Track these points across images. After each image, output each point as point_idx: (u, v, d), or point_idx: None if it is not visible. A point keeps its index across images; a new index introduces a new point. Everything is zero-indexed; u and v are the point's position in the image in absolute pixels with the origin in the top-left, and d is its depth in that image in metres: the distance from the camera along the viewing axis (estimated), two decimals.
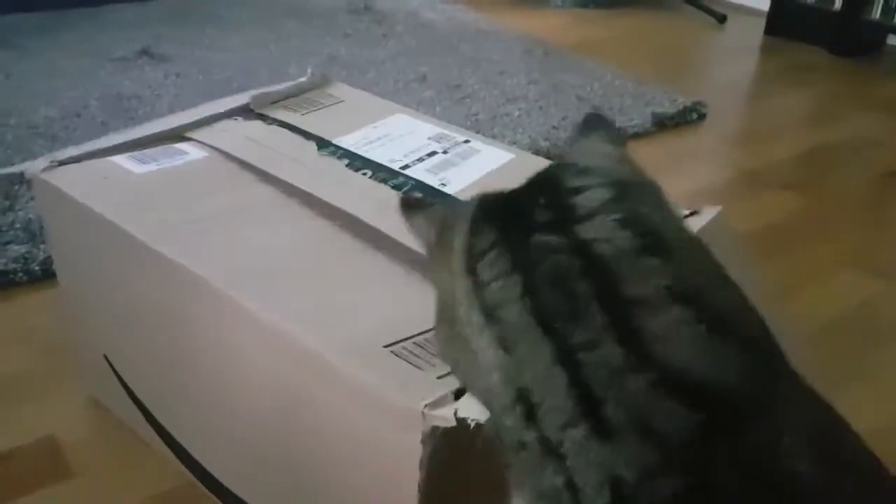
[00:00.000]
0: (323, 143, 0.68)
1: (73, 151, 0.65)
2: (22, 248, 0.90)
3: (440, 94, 1.47)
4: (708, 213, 0.59)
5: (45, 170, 0.62)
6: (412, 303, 0.51)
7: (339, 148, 0.67)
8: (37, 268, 0.88)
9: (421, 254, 0.52)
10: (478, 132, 0.74)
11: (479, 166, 0.66)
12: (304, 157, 0.66)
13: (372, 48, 1.71)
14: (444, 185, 0.62)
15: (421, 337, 0.47)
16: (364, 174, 0.63)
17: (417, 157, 0.67)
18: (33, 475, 0.65)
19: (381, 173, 0.63)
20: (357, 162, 0.65)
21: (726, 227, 0.60)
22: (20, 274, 0.88)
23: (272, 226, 0.58)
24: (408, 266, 0.54)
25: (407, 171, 0.64)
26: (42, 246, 0.90)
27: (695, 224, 0.57)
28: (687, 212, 0.59)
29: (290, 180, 0.62)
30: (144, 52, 1.54)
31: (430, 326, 0.47)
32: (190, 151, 0.67)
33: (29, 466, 0.66)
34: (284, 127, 0.71)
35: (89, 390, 0.73)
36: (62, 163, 0.63)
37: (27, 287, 0.87)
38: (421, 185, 0.62)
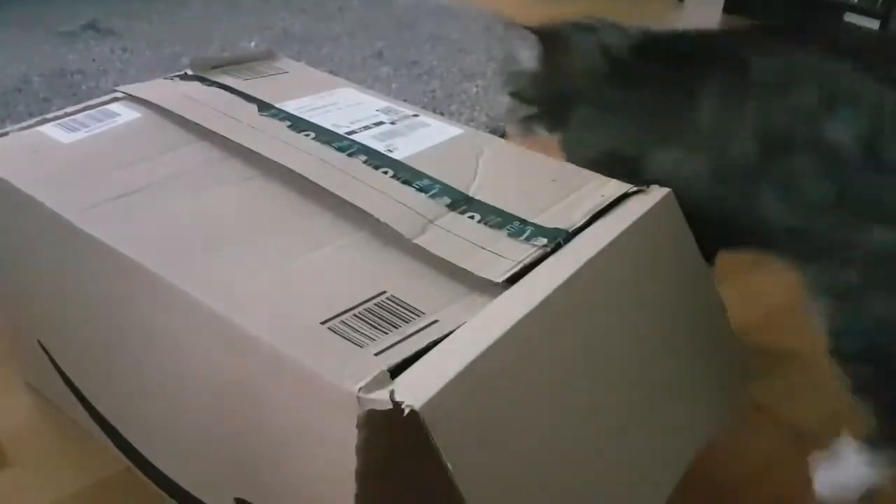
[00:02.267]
0: (264, 106, 0.66)
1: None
2: None
3: (397, 71, 1.44)
4: (656, 194, 0.59)
5: None
6: (356, 268, 0.50)
7: (281, 111, 0.65)
8: None
9: (368, 213, 0.52)
10: (434, 109, 0.73)
11: (427, 138, 0.65)
12: (244, 116, 0.63)
13: (327, 23, 1.68)
14: (390, 150, 0.61)
15: (363, 307, 0.45)
16: (307, 135, 0.62)
17: (364, 125, 0.65)
18: None
19: (325, 136, 0.62)
20: (300, 125, 0.63)
21: (675, 210, 0.59)
22: None
23: (206, 192, 0.56)
24: (353, 226, 0.53)
25: (352, 137, 0.62)
26: None
27: (643, 205, 0.57)
28: (633, 189, 0.58)
29: (227, 135, 0.60)
30: (91, 26, 1.49)
31: (377, 292, 0.47)
32: (122, 112, 0.64)
33: None
34: (224, 89, 0.68)
35: (25, 377, 0.70)
36: None
37: None
38: (367, 149, 0.60)
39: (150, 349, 0.53)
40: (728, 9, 2.03)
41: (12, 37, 1.43)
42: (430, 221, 0.53)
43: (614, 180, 0.60)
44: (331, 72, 0.79)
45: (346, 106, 0.69)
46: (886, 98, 0.54)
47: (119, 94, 0.68)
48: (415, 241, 0.50)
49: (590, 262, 0.51)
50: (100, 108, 0.65)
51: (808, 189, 0.56)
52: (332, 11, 1.76)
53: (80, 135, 0.61)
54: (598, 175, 0.61)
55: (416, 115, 0.69)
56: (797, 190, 0.57)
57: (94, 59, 1.37)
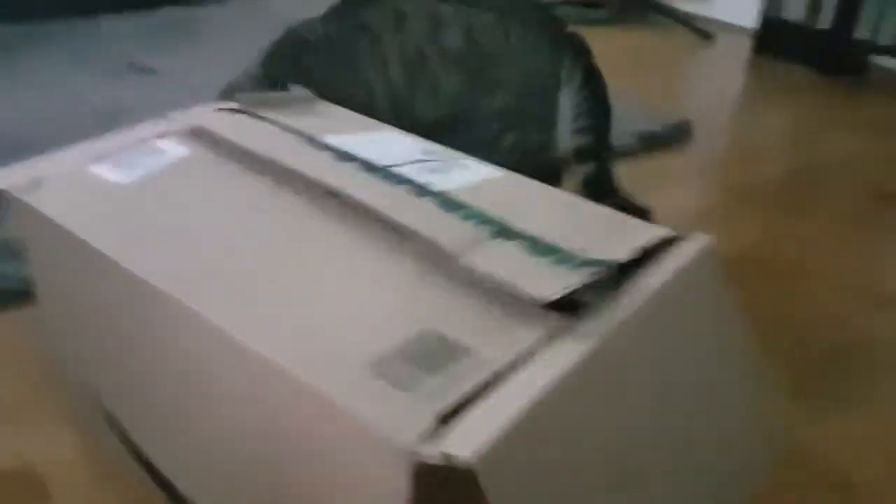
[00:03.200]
0: (308, 139, 0.67)
1: (51, 163, 0.64)
2: (3, 267, 0.89)
3: None
4: (696, 242, 0.58)
5: (24, 189, 0.61)
6: (399, 302, 0.50)
7: (324, 143, 0.66)
8: (14, 286, 0.87)
9: (409, 246, 0.53)
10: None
11: (468, 176, 0.65)
12: (289, 146, 0.65)
13: None
14: (432, 184, 0.61)
15: (407, 345, 0.45)
16: (351, 164, 0.62)
17: (405, 161, 0.66)
18: (10, 499, 0.64)
19: (369, 167, 0.62)
20: (344, 156, 0.64)
21: (715, 258, 0.59)
22: (5, 294, 0.86)
23: (250, 229, 0.57)
24: (395, 259, 0.53)
25: (395, 170, 0.63)
26: (24, 265, 0.89)
27: (687, 251, 0.57)
28: (672, 234, 0.58)
29: (273, 157, 0.61)
30: (132, 65, 1.53)
31: (420, 328, 0.47)
32: (168, 149, 0.66)
33: (7, 492, 0.64)
34: (267, 122, 0.70)
35: (68, 412, 0.71)
36: (40, 181, 0.61)
37: (8, 308, 0.85)
38: (409, 181, 0.61)
39: (192, 389, 0.54)
40: (756, 49, 2.03)
41: (57, 74, 1.47)
42: (476, 244, 0.53)
43: (657, 225, 0.60)
44: None
45: (387, 144, 0.70)
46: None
47: (166, 128, 0.69)
48: (461, 260, 0.50)
49: (639, 309, 0.51)
50: (147, 144, 0.66)
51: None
52: None
53: (129, 173, 0.63)
54: (642, 221, 0.61)
55: (455, 159, 0.70)
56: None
57: (136, 97, 1.40)
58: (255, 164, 0.63)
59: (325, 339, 0.47)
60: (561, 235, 0.56)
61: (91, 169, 0.63)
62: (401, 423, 0.40)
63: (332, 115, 0.77)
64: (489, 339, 0.47)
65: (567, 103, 1.01)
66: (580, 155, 0.99)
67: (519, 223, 0.57)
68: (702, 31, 2.12)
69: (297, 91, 0.81)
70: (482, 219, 0.57)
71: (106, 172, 0.63)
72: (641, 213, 1.08)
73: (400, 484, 0.40)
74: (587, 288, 0.50)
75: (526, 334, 0.47)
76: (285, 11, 1.98)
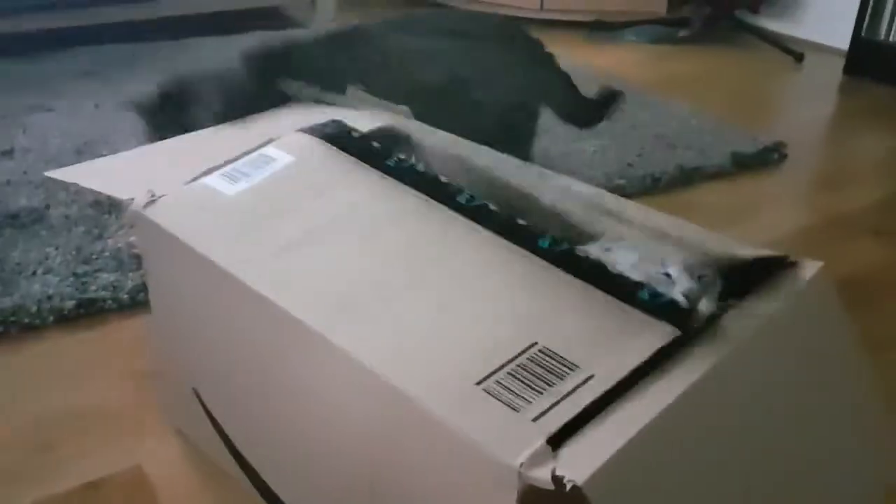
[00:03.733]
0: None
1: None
2: (111, 277, 0.93)
3: None
4: (809, 268, 0.57)
5: (146, 205, 0.63)
6: (506, 316, 0.50)
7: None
8: (125, 296, 0.90)
9: (512, 257, 0.53)
10: (550, 168, 0.74)
11: (565, 192, 0.65)
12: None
13: None
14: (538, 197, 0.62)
15: (516, 363, 0.45)
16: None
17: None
18: None
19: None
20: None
21: (829, 284, 0.58)
22: (109, 301, 0.90)
23: (356, 241, 0.58)
24: (500, 272, 0.53)
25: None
26: (130, 274, 0.93)
27: (799, 276, 0.55)
28: (787, 258, 0.57)
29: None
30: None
31: (528, 344, 0.47)
32: (277, 156, 0.67)
33: (116, 496, 0.67)
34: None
35: (176, 422, 0.74)
36: (156, 193, 0.64)
37: (116, 315, 0.89)
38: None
39: (302, 402, 0.55)
40: (848, 70, 1.97)
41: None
42: (594, 236, 0.55)
43: (766, 249, 0.59)
44: None
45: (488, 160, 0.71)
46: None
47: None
48: (593, 245, 0.52)
49: (754, 334, 0.49)
50: (258, 153, 0.68)
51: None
52: None
53: (242, 185, 0.65)
54: (746, 244, 0.60)
55: (549, 175, 0.70)
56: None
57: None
58: (358, 167, 0.64)
59: (434, 356, 0.47)
60: (668, 249, 0.55)
61: (203, 181, 0.66)
62: (510, 444, 0.40)
63: (434, 135, 0.79)
64: (598, 353, 0.46)
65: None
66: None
67: (627, 231, 0.57)
68: (792, 51, 2.06)
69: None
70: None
71: (217, 184, 0.65)
72: (613, 95, 1.19)
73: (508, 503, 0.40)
74: (698, 296, 0.49)
75: (636, 348, 0.46)
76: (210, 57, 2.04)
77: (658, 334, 0.47)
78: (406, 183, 0.62)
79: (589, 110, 1.19)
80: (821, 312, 0.58)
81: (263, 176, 0.66)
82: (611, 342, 0.47)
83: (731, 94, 1.83)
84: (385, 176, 0.63)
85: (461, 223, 0.57)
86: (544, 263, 0.53)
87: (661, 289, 0.50)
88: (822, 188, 1.41)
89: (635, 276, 0.51)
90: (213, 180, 0.66)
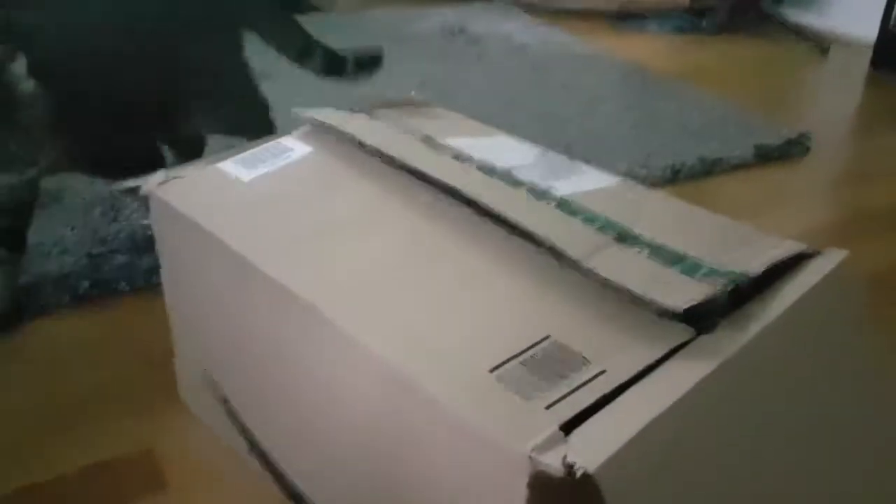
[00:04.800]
0: (428, 139, 0.67)
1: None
2: (125, 258, 0.93)
3: (533, 119, 1.45)
4: (833, 257, 0.56)
5: (160, 184, 0.63)
6: (518, 310, 0.49)
7: (443, 145, 0.66)
8: (139, 278, 0.90)
9: (528, 253, 0.52)
10: (571, 158, 0.73)
11: (585, 182, 0.64)
12: (410, 146, 0.65)
13: (465, 71, 1.71)
14: (552, 188, 0.61)
15: (528, 354, 0.45)
16: (470, 166, 0.62)
17: (523, 164, 0.65)
18: (131, 486, 0.66)
19: (488, 169, 0.62)
20: (463, 157, 0.64)
21: (853, 275, 0.56)
22: (123, 283, 0.90)
23: (372, 231, 0.58)
24: (513, 266, 0.52)
25: (513, 173, 0.63)
26: (144, 256, 0.93)
27: (822, 267, 0.54)
28: (810, 250, 0.56)
29: (397, 156, 0.61)
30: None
31: (541, 337, 0.46)
32: (295, 147, 0.67)
33: (127, 476, 0.67)
34: (388, 123, 0.71)
35: (187, 403, 0.74)
36: (176, 177, 0.64)
37: (130, 296, 0.89)
38: (528, 184, 0.60)
39: (312, 387, 0.54)
40: (875, 63, 1.94)
41: (310, 87, 1.51)
42: (598, 249, 0.52)
43: (789, 240, 0.57)
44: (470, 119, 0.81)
45: (503, 148, 0.70)
46: None
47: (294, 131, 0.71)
48: (584, 264, 0.49)
49: (771, 325, 0.48)
50: (274, 144, 0.68)
51: None
52: (469, 60, 1.80)
53: (259, 171, 0.64)
54: (768, 234, 0.59)
55: (571, 164, 0.69)
56: None
57: None
58: (377, 163, 0.63)
59: (447, 344, 0.47)
60: (685, 243, 0.54)
61: (219, 166, 0.65)
62: (522, 431, 0.40)
63: (447, 119, 0.78)
64: (612, 350, 0.45)
65: None
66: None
67: (640, 229, 0.56)
68: (817, 43, 2.03)
69: (415, 96, 0.82)
70: (603, 223, 0.55)
71: (233, 169, 0.65)
72: (375, 57, 1.09)
73: (519, 492, 0.40)
74: (715, 300, 0.48)
75: (649, 346, 0.46)
76: (383, 23, 2.03)
77: (672, 334, 0.46)
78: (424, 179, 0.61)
79: (331, 56, 1.05)
80: (842, 304, 0.56)
81: (280, 164, 0.65)
82: (624, 340, 0.46)
83: (755, 85, 1.81)
84: (401, 171, 0.62)
85: (477, 219, 0.56)
86: (560, 262, 0.52)
87: (675, 287, 0.49)
88: (845, 182, 1.38)
89: (649, 274, 0.50)
90: (228, 165, 0.65)
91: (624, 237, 0.54)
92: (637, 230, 0.55)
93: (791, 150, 1.40)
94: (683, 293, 0.47)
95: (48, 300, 0.87)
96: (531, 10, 2.20)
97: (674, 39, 2.09)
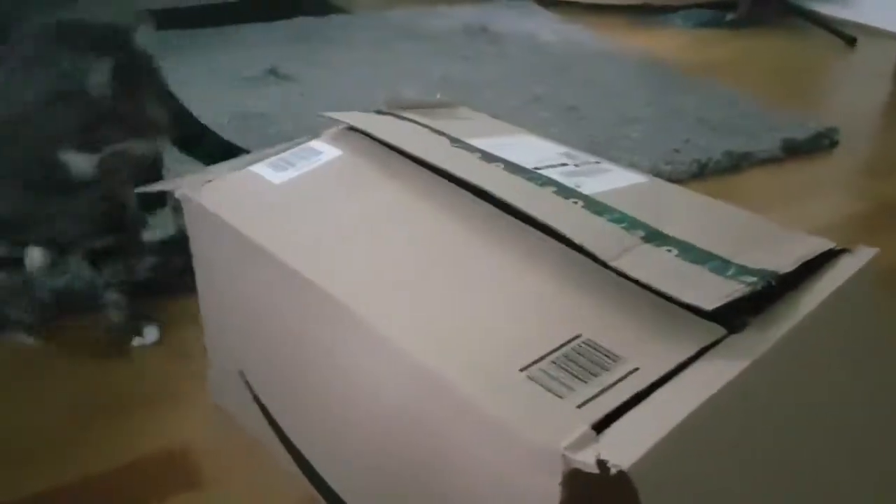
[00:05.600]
0: (455, 140, 0.67)
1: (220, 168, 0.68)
2: (157, 259, 0.94)
3: (555, 115, 1.45)
4: (863, 255, 0.55)
5: (191, 187, 0.64)
6: (548, 308, 0.49)
7: (470, 145, 0.66)
8: (172, 278, 0.92)
9: (557, 251, 0.52)
10: (595, 154, 0.73)
11: (611, 181, 0.64)
12: (437, 146, 0.65)
13: (485, 68, 1.71)
14: (578, 186, 0.60)
15: (560, 352, 0.45)
16: (497, 166, 0.62)
17: (549, 164, 0.65)
18: (167, 483, 0.67)
19: (515, 168, 0.62)
20: (490, 157, 0.64)
21: (879, 276, 0.56)
22: (155, 283, 0.91)
23: (402, 231, 0.58)
24: (542, 264, 0.52)
25: (539, 171, 0.63)
26: (176, 257, 0.94)
27: (852, 264, 0.54)
28: (839, 247, 0.55)
29: (424, 156, 0.62)
30: (271, 72, 1.59)
31: (572, 335, 0.46)
32: (324, 150, 0.68)
33: (162, 474, 0.68)
34: (416, 124, 0.71)
35: (220, 403, 0.75)
36: (208, 180, 0.65)
37: (162, 296, 0.90)
38: (555, 182, 0.60)
39: (343, 385, 0.55)
40: None
41: (199, 82, 1.54)
42: (627, 249, 0.52)
43: (816, 237, 0.57)
44: (493, 117, 0.81)
45: (529, 147, 0.70)
46: None
47: (320, 133, 0.72)
48: (613, 264, 0.49)
49: (801, 324, 0.48)
50: (304, 147, 0.69)
51: None
52: (491, 57, 1.80)
53: (290, 174, 0.65)
54: (798, 230, 0.58)
55: (597, 162, 0.69)
56: None
57: (275, 103, 1.46)
58: (406, 164, 0.64)
59: (478, 343, 0.47)
60: (714, 242, 0.54)
61: (250, 169, 0.66)
62: (554, 429, 0.40)
63: (473, 119, 0.78)
64: (643, 348, 0.45)
65: None
66: None
67: (669, 228, 0.56)
68: (844, 34, 2.01)
69: (441, 99, 0.82)
70: (631, 223, 0.55)
71: (264, 172, 0.66)
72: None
73: (552, 490, 0.40)
74: (744, 298, 0.48)
75: (680, 345, 0.45)
76: (405, 23, 2.03)
77: (703, 332, 0.46)
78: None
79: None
80: (871, 302, 0.56)
81: (310, 167, 0.66)
82: (656, 338, 0.46)
83: (781, 78, 1.79)
84: (429, 172, 0.62)
85: (506, 218, 0.57)
86: (589, 260, 0.52)
87: (705, 286, 0.49)
88: (874, 176, 1.37)
89: (679, 273, 0.50)
90: (259, 168, 0.66)
91: (652, 236, 0.54)
92: (665, 229, 0.55)
93: (819, 144, 1.39)
94: (713, 292, 0.47)
95: (81, 300, 0.88)
96: (552, 7, 2.20)
97: (697, 34, 2.08)
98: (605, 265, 0.50)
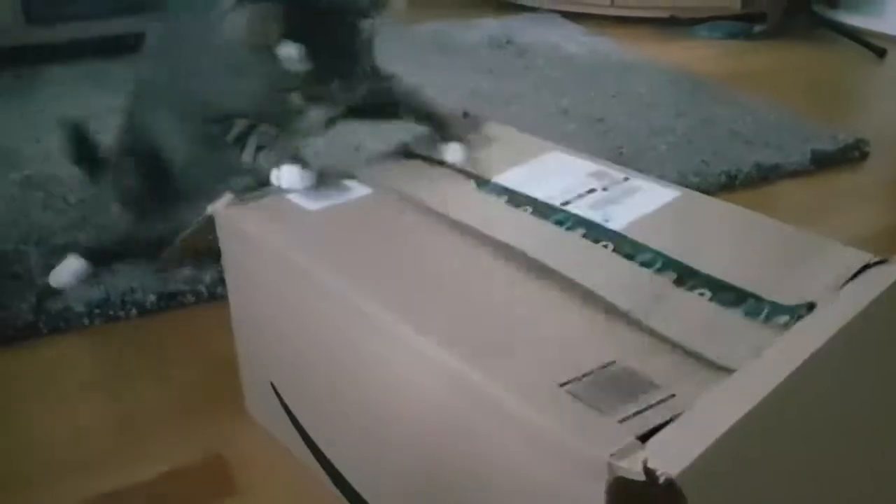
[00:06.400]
0: (482, 182, 0.68)
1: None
2: (190, 271, 0.95)
3: (583, 128, 1.45)
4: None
5: (227, 205, 0.66)
6: (587, 338, 0.50)
7: (497, 185, 0.68)
8: (203, 289, 0.93)
9: (592, 290, 0.52)
10: (623, 166, 0.73)
11: (642, 204, 0.65)
12: (465, 194, 0.67)
13: (513, 82, 1.72)
14: (606, 220, 0.61)
15: (597, 374, 0.45)
16: (525, 210, 0.63)
17: (577, 193, 0.66)
18: (201, 492, 0.68)
19: (542, 210, 0.63)
20: (517, 199, 0.65)
21: None
22: (188, 295, 0.92)
23: (440, 260, 0.59)
24: (580, 301, 0.53)
25: (567, 208, 0.63)
26: (209, 270, 0.95)
27: (887, 276, 0.53)
28: (875, 259, 0.55)
29: (450, 213, 0.62)
30: None
31: (607, 361, 0.46)
32: (354, 188, 0.69)
33: (197, 483, 0.69)
34: (443, 166, 0.72)
35: (253, 413, 0.75)
36: (243, 200, 0.67)
37: (194, 308, 0.92)
38: (584, 221, 0.61)
39: (387, 401, 0.55)
40: None
41: None
42: (658, 298, 0.52)
43: (851, 248, 0.57)
44: (519, 131, 0.81)
45: (557, 173, 0.70)
46: None
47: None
48: (645, 324, 0.50)
49: (837, 336, 0.48)
50: (337, 182, 0.70)
51: None
52: (517, 70, 1.80)
53: (322, 204, 0.67)
54: (832, 242, 0.58)
55: (626, 179, 0.69)
56: None
57: None
58: (429, 217, 0.64)
59: (518, 359, 0.47)
60: (748, 272, 0.54)
61: (284, 196, 0.68)
62: (599, 439, 0.40)
63: (501, 138, 0.78)
64: (677, 378, 0.46)
65: None
66: None
67: (702, 259, 0.56)
68: (874, 46, 1.99)
69: (468, 119, 0.83)
70: (662, 262, 0.56)
71: (298, 199, 0.68)
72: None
73: (597, 499, 0.40)
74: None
75: (714, 376, 0.45)
76: (431, 36, 2.04)
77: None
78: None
79: None
80: None
81: (341, 200, 0.67)
82: (692, 369, 0.46)
83: (809, 90, 1.78)
84: (453, 227, 0.62)
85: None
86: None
87: (736, 337, 0.49)
88: None
89: (710, 324, 0.50)
90: (292, 196, 0.68)
91: (684, 276, 0.54)
92: (698, 262, 0.56)
93: (849, 156, 1.38)
94: (742, 347, 0.48)
95: (116, 313, 0.90)
96: (578, 19, 2.20)
97: (725, 45, 2.07)
98: (638, 323, 0.50)
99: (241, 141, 0.75)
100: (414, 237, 0.62)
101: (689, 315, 0.51)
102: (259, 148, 0.74)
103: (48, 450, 0.72)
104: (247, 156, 0.74)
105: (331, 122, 0.79)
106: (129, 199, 0.94)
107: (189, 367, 0.82)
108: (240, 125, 0.75)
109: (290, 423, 0.68)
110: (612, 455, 0.39)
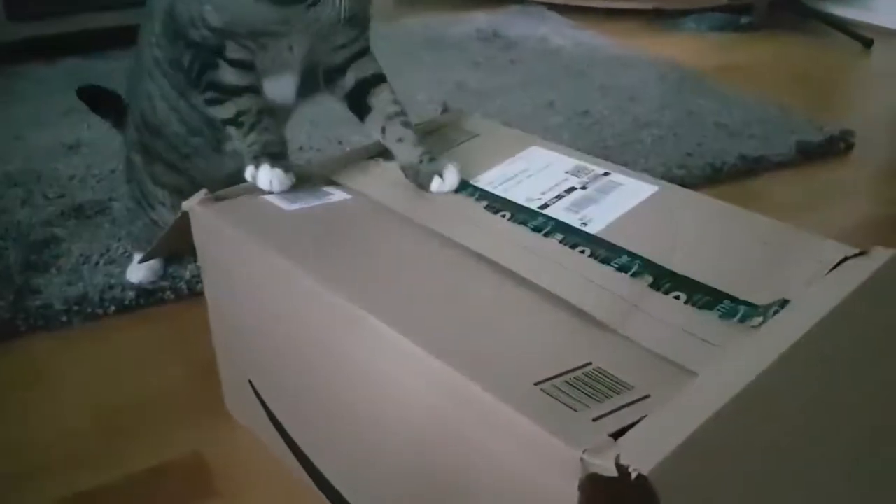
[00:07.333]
0: (462, 185, 0.68)
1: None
2: (170, 268, 0.95)
3: (569, 121, 1.45)
4: (879, 257, 0.55)
5: (201, 202, 0.65)
6: (564, 340, 0.50)
7: (476, 189, 0.67)
8: (183, 286, 0.92)
9: (568, 301, 0.52)
10: (608, 159, 0.72)
11: (621, 202, 0.64)
12: (443, 201, 0.66)
13: (500, 75, 1.71)
14: (584, 223, 0.61)
15: (572, 374, 0.45)
16: (503, 216, 0.63)
17: (556, 194, 0.66)
18: (181, 492, 0.67)
19: (520, 215, 0.63)
20: (496, 203, 0.65)
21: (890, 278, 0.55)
22: (168, 292, 0.92)
23: (417, 264, 0.58)
24: (557, 305, 0.53)
25: (546, 211, 0.63)
26: (189, 266, 0.94)
27: (865, 269, 0.53)
28: (854, 252, 0.55)
29: (428, 224, 0.62)
30: None
31: (583, 363, 0.46)
32: (334, 193, 0.69)
33: (177, 483, 0.68)
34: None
35: (232, 411, 0.75)
36: (218, 198, 0.66)
37: (174, 305, 0.91)
38: (561, 226, 0.61)
39: (368, 398, 0.55)
40: None
41: None
42: (634, 306, 0.52)
43: (830, 241, 0.57)
44: (505, 124, 0.81)
45: (536, 171, 0.70)
46: None
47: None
48: (620, 332, 0.50)
49: (810, 332, 0.48)
50: (314, 187, 0.70)
51: None
52: (503, 64, 1.80)
53: (300, 205, 0.67)
54: (812, 235, 0.58)
55: (606, 174, 0.69)
56: None
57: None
58: (405, 225, 0.64)
59: (492, 357, 0.47)
60: (725, 272, 0.54)
61: (259, 196, 0.68)
62: (572, 435, 0.40)
63: (483, 134, 0.78)
64: (652, 381, 0.46)
65: None
66: None
67: (678, 260, 0.56)
68: (861, 37, 1.99)
69: (451, 114, 0.82)
70: (639, 265, 0.56)
71: (274, 199, 0.67)
72: None
73: (570, 495, 0.39)
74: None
75: (690, 379, 0.45)
76: (418, 31, 2.03)
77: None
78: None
79: None
80: (889, 303, 0.55)
81: (319, 203, 0.67)
82: (666, 372, 0.47)
83: (796, 81, 1.78)
84: (432, 234, 0.62)
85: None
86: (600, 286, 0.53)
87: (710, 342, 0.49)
88: (890, 179, 1.35)
89: (685, 330, 0.50)
90: (270, 197, 0.68)
91: (661, 280, 0.54)
92: (673, 265, 0.56)
93: (834, 148, 1.38)
94: (717, 348, 0.48)
95: (95, 310, 0.89)
96: (565, 12, 2.20)
97: (711, 37, 2.07)
98: (613, 332, 0.50)
99: (236, 121, 0.72)
100: (392, 241, 0.62)
101: (664, 321, 0.51)
102: (250, 127, 0.71)
103: (27, 449, 0.71)
104: (237, 142, 0.73)
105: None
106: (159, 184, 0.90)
107: (169, 365, 0.82)
108: (239, 104, 0.72)
109: (269, 421, 0.67)
110: (585, 452, 0.39)
